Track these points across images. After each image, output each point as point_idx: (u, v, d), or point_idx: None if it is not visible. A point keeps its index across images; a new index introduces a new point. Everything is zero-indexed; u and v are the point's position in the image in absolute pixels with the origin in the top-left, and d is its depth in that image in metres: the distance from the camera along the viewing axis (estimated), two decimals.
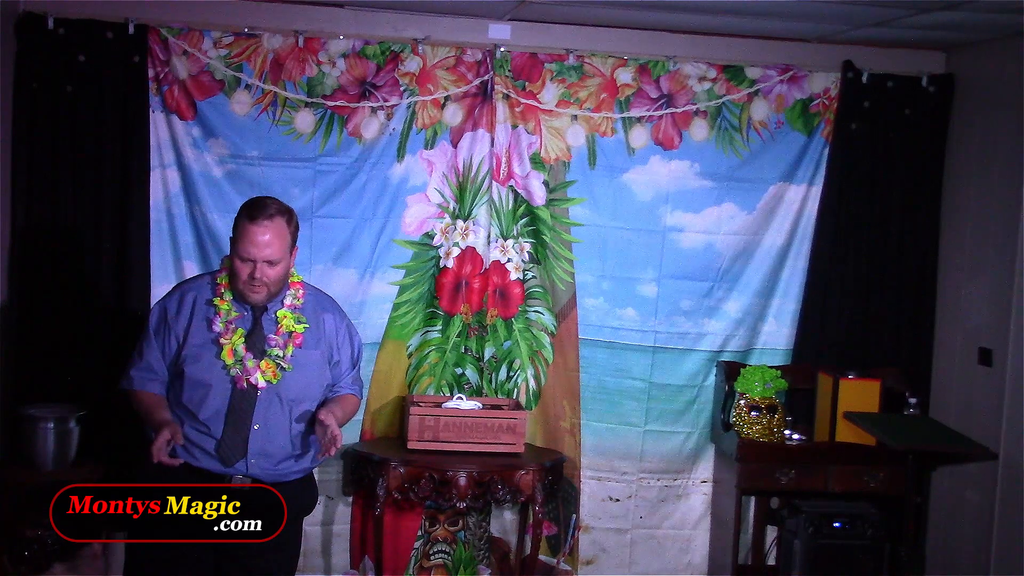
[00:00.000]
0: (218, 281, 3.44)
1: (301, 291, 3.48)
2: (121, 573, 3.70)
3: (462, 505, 4.41)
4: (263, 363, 3.37)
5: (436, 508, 4.70)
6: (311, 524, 4.73)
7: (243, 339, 3.37)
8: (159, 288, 4.36)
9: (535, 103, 4.73)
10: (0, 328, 4.33)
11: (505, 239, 4.80)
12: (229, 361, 3.36)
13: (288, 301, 3.44)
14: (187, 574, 3.32)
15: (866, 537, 4.61)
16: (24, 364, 4.38)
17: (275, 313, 3.43)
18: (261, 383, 3.37)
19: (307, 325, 3.44)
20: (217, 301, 3.40)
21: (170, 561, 3.29)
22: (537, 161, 4.76)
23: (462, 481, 4.36)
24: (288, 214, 3.38)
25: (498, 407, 4.68)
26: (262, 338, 3.39)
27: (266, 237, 3.29)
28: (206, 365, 3.36)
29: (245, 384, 3.36)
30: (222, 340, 3.36)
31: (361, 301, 4.70)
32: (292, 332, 3.42)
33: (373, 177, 4.66)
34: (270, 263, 3.31)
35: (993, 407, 4.48)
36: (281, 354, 3.39)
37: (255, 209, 3.33)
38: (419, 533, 4.77)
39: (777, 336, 4.95)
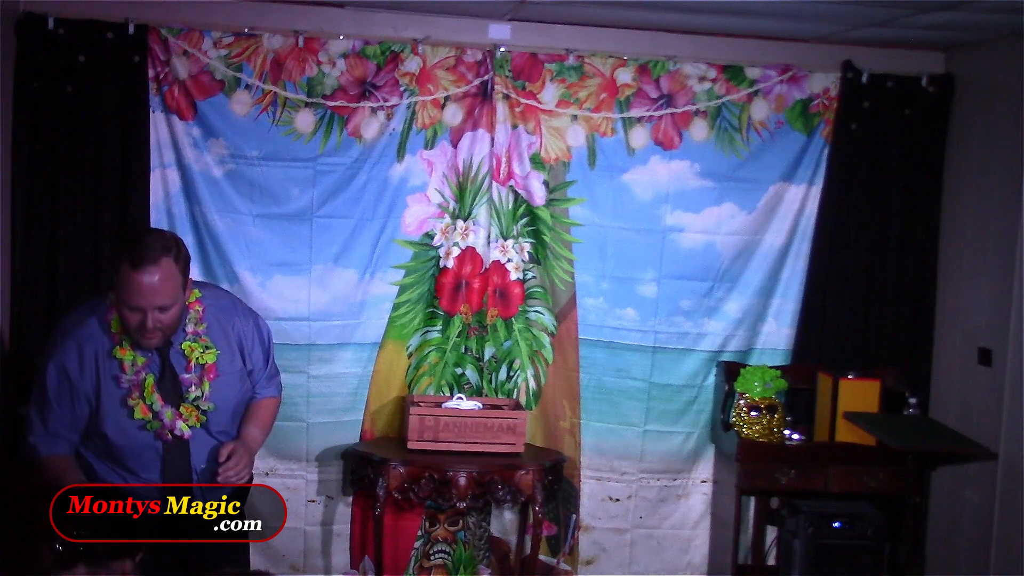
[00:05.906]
0: (112, 329, 3.16)
1: (200, 309, 3.25)
2: None
3: (462, 505, 4.41)
4: (183, 409, 3.20)
5: (436, 508, 4.70)
6: (311, 524, 4.74)
7: (155, 389, 3.17)
8: None
9: (535, 103, 4.73)
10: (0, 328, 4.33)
11: (505, 239, 4.80)
12: (146, 418, 3.17)
13: (191, 328, 3.22)
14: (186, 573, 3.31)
15: (866, 537, 4.61)
16: (24, 364, 4.38)
17: (181, 347, 3.20)
18: (186, 433, 3.21)
19: (218, 352, 3.25)
20: (118, 352, 3.15)
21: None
22: (537, 161, 4.76)
23: (462, 481, 4.36)
24: (175, 250, 3.11)
25: (498, 407, 4.68)
26: (175, 380, 3.21)
27: (154, 282, 3.01)
28: (127, 427, 3.18)
29: (170, 437, 3.21)
30: (130, 401, 3.16)
31: (361, 301, 4.70)
32: (204, 365, 3.22)
33: (373, 177, 4.66)
34: (162, 309, 3.05)
35: (993, 407, 4.48)
36: (200, 393, 3.21)
37: (137, 253, 3.01)
38: (419, 533, 4.77)
39: (777, 336, 4.94)
